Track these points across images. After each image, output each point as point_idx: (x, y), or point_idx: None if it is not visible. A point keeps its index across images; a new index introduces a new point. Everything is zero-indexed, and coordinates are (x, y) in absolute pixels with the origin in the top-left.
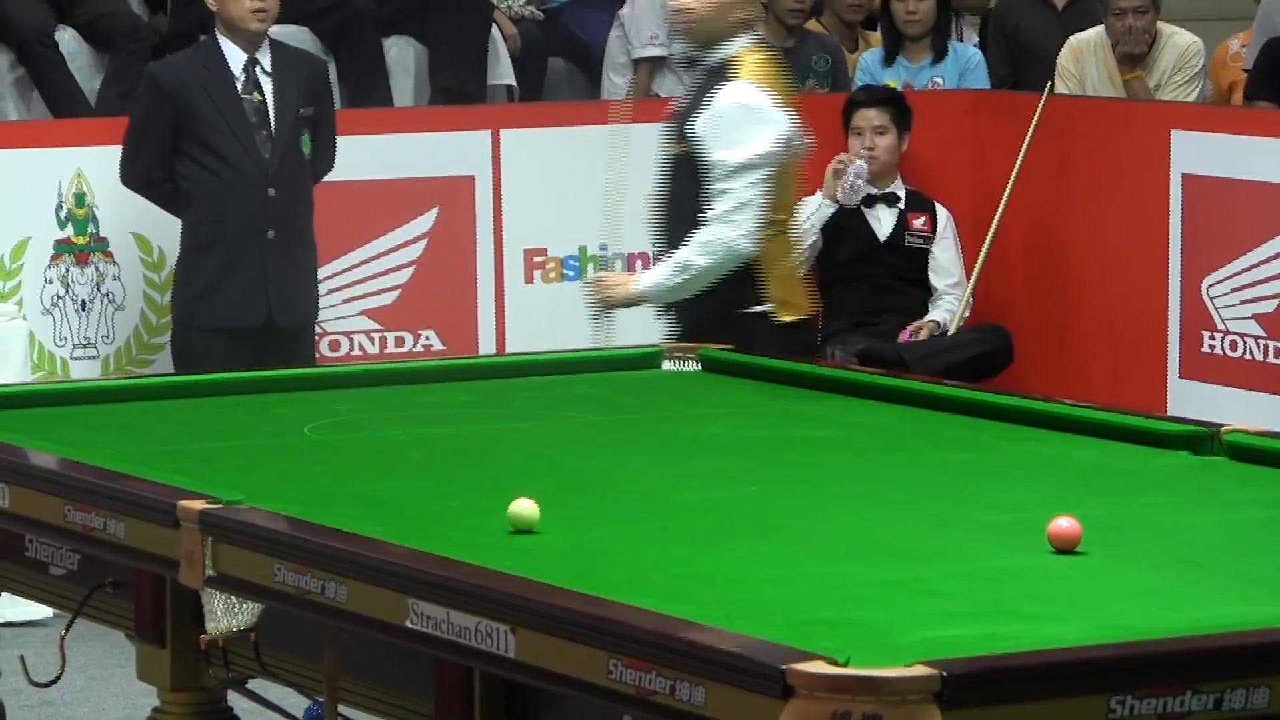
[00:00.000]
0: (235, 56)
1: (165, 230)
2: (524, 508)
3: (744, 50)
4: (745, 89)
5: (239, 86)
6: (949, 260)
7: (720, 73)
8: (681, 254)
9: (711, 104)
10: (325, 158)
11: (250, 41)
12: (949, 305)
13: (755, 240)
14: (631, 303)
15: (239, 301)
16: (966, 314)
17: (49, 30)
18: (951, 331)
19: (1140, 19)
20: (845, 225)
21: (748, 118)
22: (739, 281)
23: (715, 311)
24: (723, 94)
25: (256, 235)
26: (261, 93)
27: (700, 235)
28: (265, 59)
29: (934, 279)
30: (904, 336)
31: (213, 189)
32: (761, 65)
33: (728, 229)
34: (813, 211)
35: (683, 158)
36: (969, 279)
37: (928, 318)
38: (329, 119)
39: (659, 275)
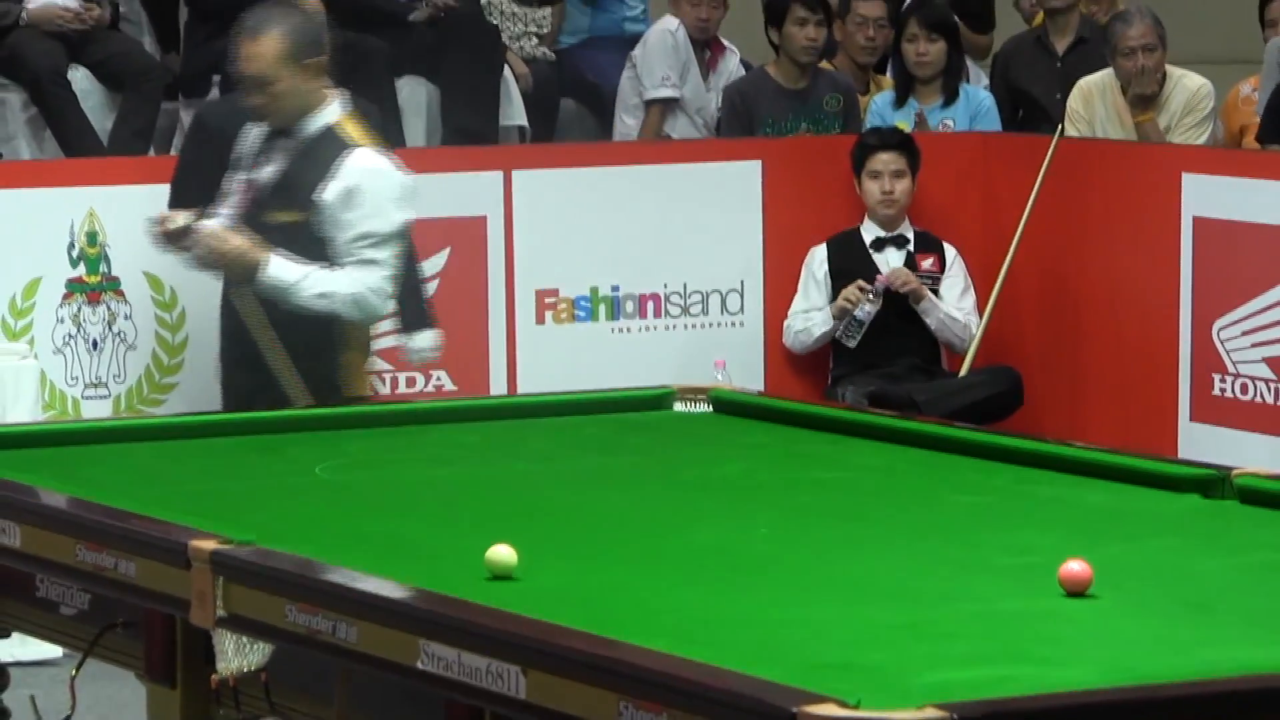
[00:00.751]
0: None
1: (177, 270)
2: (500, 554)
3: (344, 116)
4: (374, 156)
5: None
6: (958, 298)
7: (330, 141)
8: (335, 282)
9: (342, 172)
10: None
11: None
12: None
13: (386, 309)
14: (237, 264)
15: None
16: (978, 347)
17: (62, 69)
18: (964, 371)
19: (1149, 57)
20: (855, 269)
21: (387, 186)
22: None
23: (309, 350)
24: (353, 161)
25: None
26: None
27: (359, 283)
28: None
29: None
30: (880, 280)
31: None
32: (364, 129)
33: (375, 297)
34: (816, 320)
35: (300, 226)
36: (980, 320)
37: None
38: None
39: (296, 275)
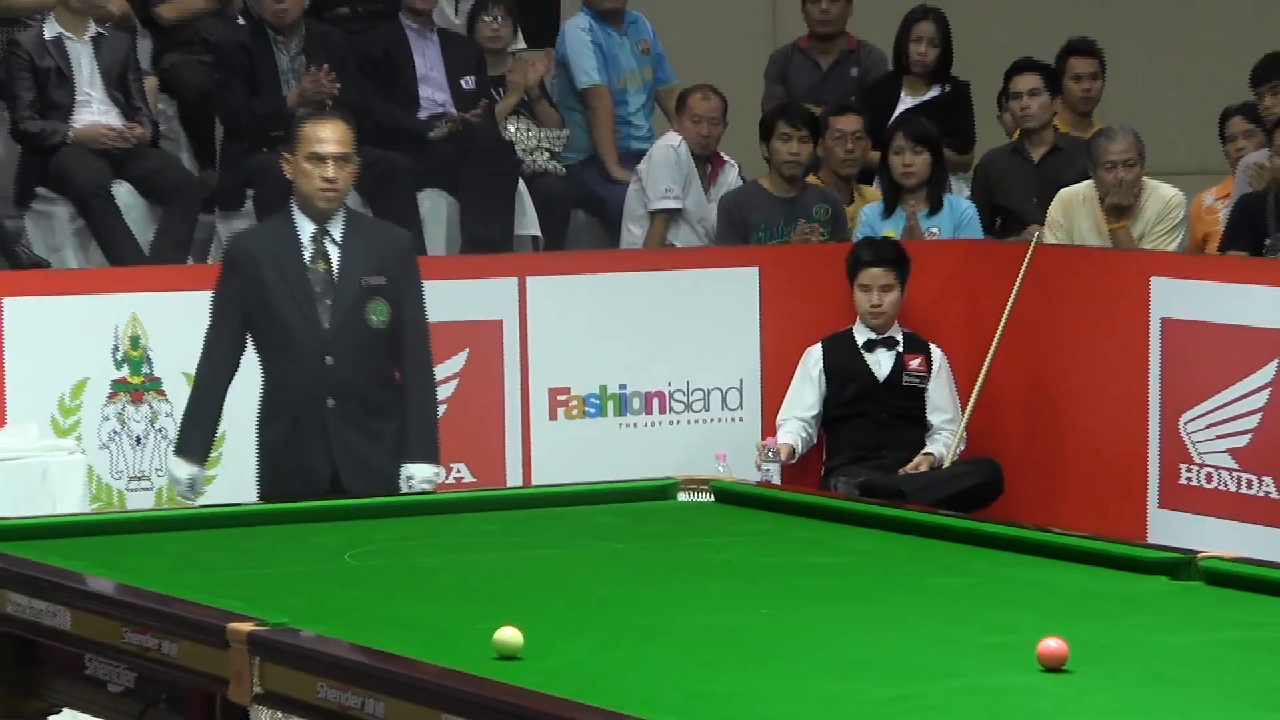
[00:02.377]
0: (305, 227)
1: None
2: (506, 636)
3: None
4: None
5: (306, 256)
6: (944, 398)
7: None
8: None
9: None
10: (416, 328)
11: (320, 213)
12: (945, 440)
13: None
14: None
15: (303, 468)
16: (961, 448)
17: (106, 184)
18: (947, 464)
19: (1129, 171)
20: (848, 368)
21: None
22: None
23: None
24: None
25: (316, 404)
26: (328, 262)
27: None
28: (336, 229)
29: (930, 416)
30: (768, 443)
31: (274, 357)
32: None
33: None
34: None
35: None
36: (963, 415)
37: (924, 451)
38: (412, 289)
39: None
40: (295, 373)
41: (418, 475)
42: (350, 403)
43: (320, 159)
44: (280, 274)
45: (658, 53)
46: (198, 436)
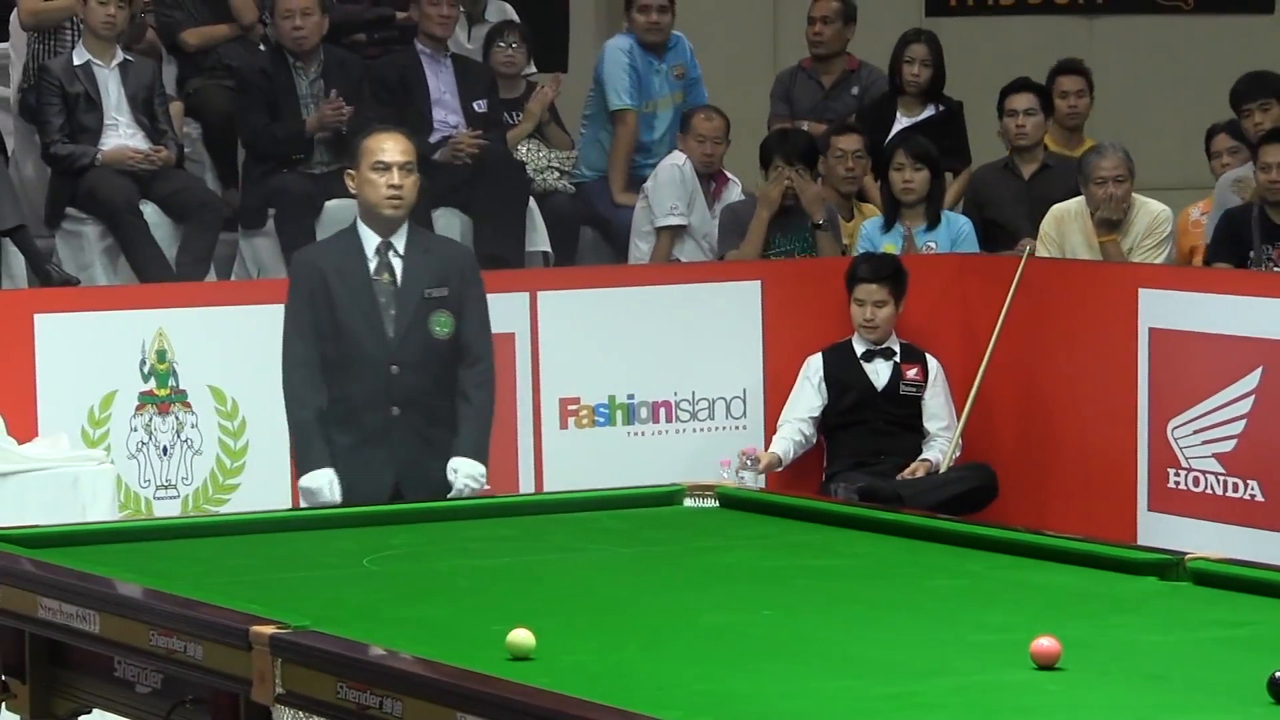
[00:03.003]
0: (370, 240)
1: (238, 382)
2: (519, 637)
3: None
4: None
5: (371, 268)
6: (939, 406)
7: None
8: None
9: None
10: (478, 339)
11: (385, 226)
12: (941, 446)
13: None
14: None
15: (365, 477)
16: (956, 454)
17: (135, 202)
18: (943, 470)
19: (1119, 187)
20: (846, 378)
21: None
22: None
23: None
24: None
25: (380, 413)
26: (392, 274)
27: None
28: (400, 242)
29: (927, 424)
30: (748, 452)
31: (341, 368)
32: None
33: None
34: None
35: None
36: (959, 422)
37: (921, 457)
38: (474, 300)
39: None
40: (361, 382)
41: (463, 469)
42: (414, 412)
43: (385, 167)
44: (346, 285)
45: (694, 75)
46: (317, 447)
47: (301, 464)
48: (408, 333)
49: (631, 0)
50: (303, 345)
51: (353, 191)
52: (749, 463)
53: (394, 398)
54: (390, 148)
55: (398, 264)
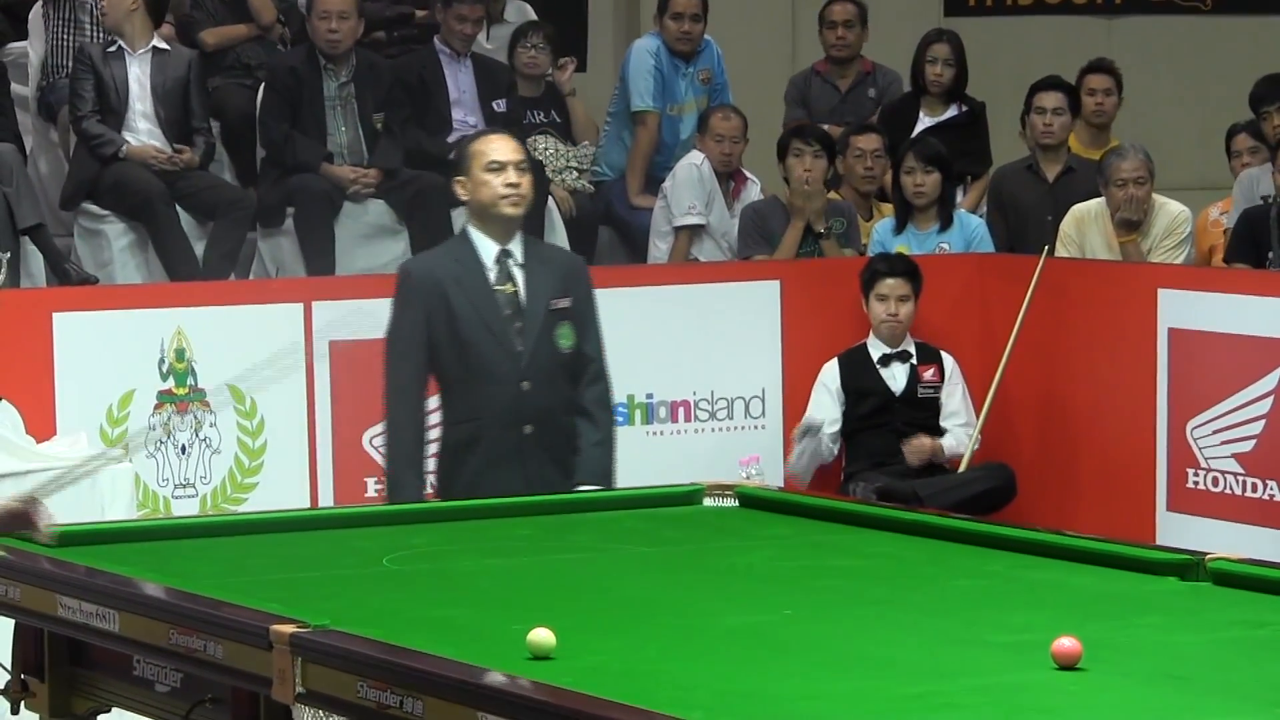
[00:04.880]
0: (487, 248)
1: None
2: (540, 636)
3: None
4: None
5: (491, 278)
6: (957, 403)
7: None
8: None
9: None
10: (599, 353)
11: (504, 231)
12: (958, 436)
13: None
14: None
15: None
16: (975, 447)
17: (167, 192)
18: (963, 468)
19: (1140, 188)
20: (865, 384)
21: None
22: None
23: None
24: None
25: (513, 432)
26: (514, 284)
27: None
28: (518, 250)
29: (944, 421)
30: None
31: (468, 386)
32: None
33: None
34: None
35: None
36: (977, 420)
37: (936, 439)
38: (593, 311)
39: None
40: (491, 400)
41: None
42: (545, 429)
43: (500, 166)
44: (467, 298)
45: (720, 81)
46: (415, 484)
47: (393, 497)
48: (536, 347)
49: (665, 6)
50: (406, 368)
51: (464, 198)
52: (747, 476)
53: (526, 416)
54: (501, 147)
55: (519, 274)
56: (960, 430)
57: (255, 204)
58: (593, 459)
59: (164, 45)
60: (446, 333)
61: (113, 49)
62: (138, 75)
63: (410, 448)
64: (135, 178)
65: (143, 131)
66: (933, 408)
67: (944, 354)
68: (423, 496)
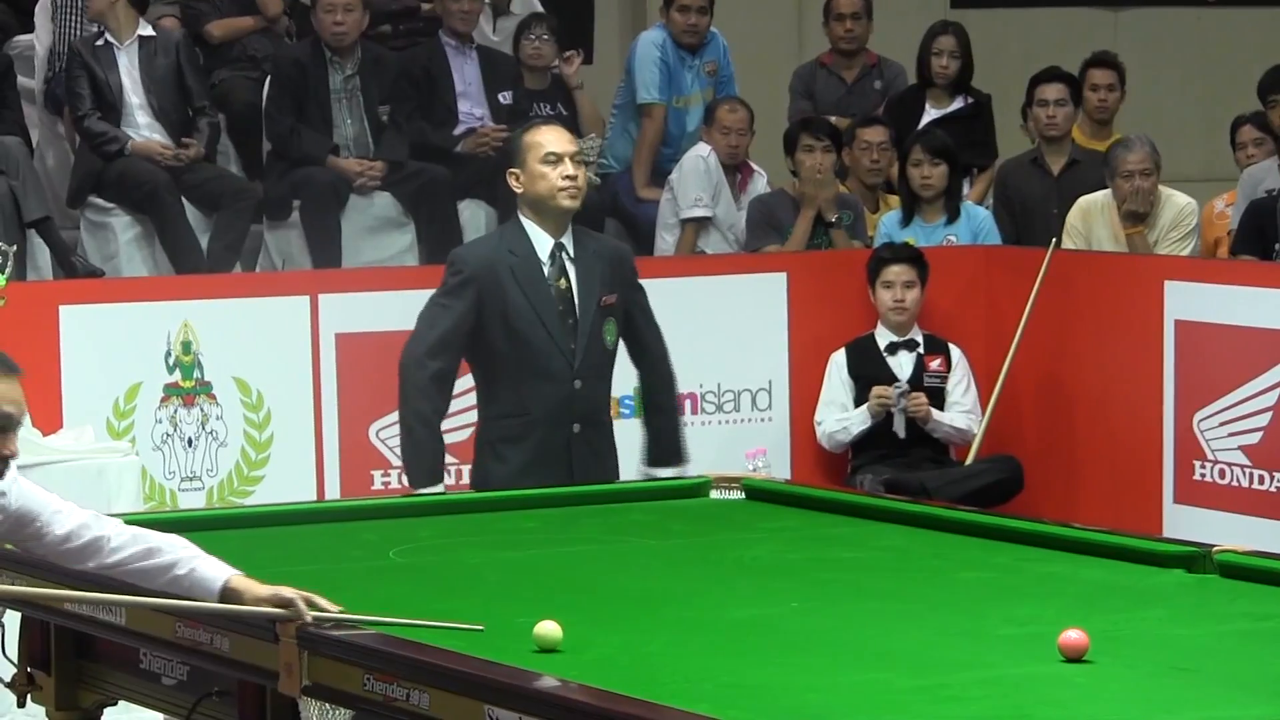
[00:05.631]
0: (542, 241)
1: (262, 374)
2: (546, 629)
3: None
4: None
5: (546, 272)
6: (963, 393)
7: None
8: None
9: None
10: (658, 337)
11: (558, 223)
12: (966, 420)
13: None
14: None
15: None
16: (985, 424)
17: (171, 185)
18: (970, 460)
19: (1146, 180)
20: (870, 373)
21: None
22: None
23: None
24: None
25: (562, 429)
26: (568, 279)
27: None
28: (569, 243)
29: (949, 409)
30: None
31: (519, 381)
32: None
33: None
34: (854, 420)
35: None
36: (984, 413)
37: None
38: (643, 298)
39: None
40: (543, 397)
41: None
42: (592, 428)
43: (557, 158)
44: (522, 290)
45: (726, 73)
46: (429, 458)
47: (414, 476)
48: (589, 344)
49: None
50: (435, 343)
51: (518, 190)
52: (753, 470)
53: (577, 414)
54: (556, 138)
55: (572, 269)
56: (966, 416)
57: (259, 195)
58: (670, 441)
59: (150, 32)
60: (499, 326)
61: (100, 43)
62: (127, 68)
63: (435, 442)
64: (140, 170)
65: (143, 126)
66: (938, 397)
67: (951, 345)
68: (442, 468)
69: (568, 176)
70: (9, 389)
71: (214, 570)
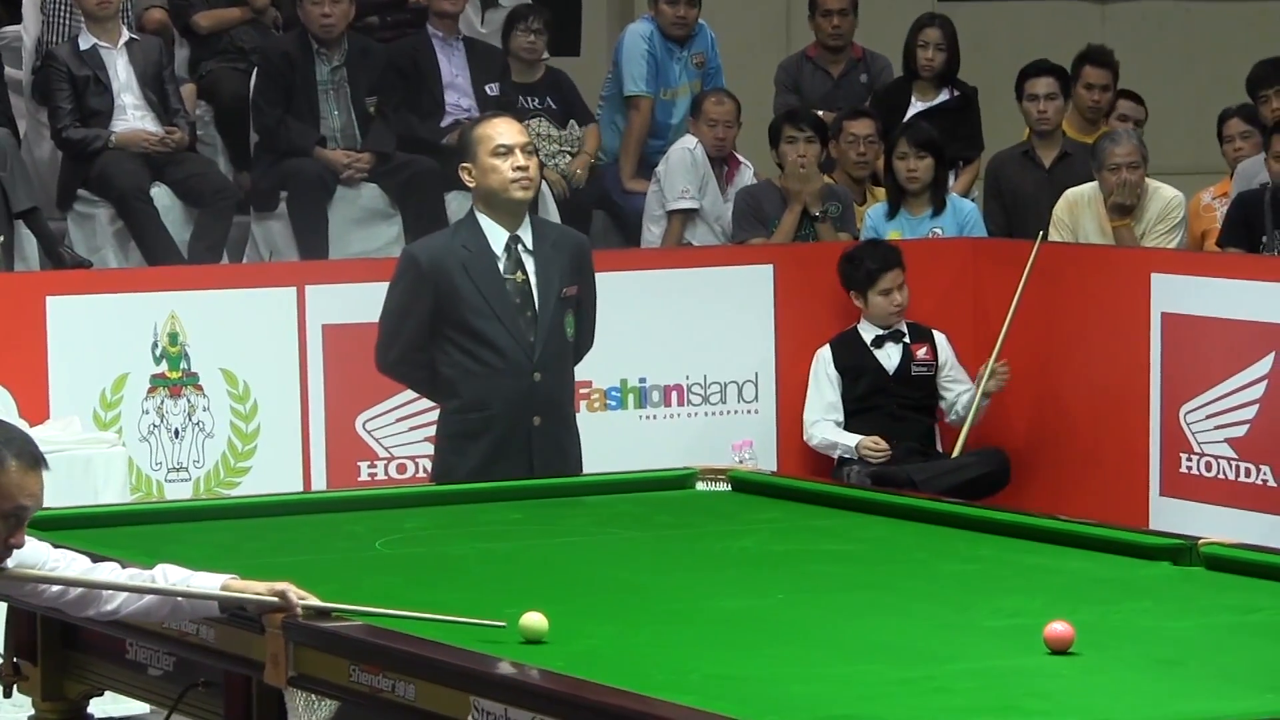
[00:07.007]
0: (496, 235)
1: (250, 365)
2: (532, 621)
3: None
4: None
5: (501, 266)
6: (956, 372)
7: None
8: None
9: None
10: (587, 337)
11: (513, 216)
12: (965, 402)
13: None
14: None
15: None
16: (972, 418)
17: (145, 187)
18: (957, 452)
19: (1133, 173)
20: (858, 364)
21: None
22: None
23: None
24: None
25: (523, 423)
26: (525, 272)
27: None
28: (527, 236)
29: (946, 393)
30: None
31: (477, 375)
32: None
33: None
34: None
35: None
36: (972, 385)
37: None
38: (591, 296)
39: None
40: (503, 391)
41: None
42: (553, 420)
43: (508, 150)
44: (476, 286)
45: (714, 65)
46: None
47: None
48: (549, 337)
49: None
50: (405, 347)
51: (470, 185)
52: (739, 461)
53: (536, 407)
54: (506, 131)
55: (529, 261)
56: (966, 395)
57: (240, 193)
58: None
59: (135, 36)
60: (456, 322)
61: (87, 47)
62: (125, 63)
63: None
64: (117, 171)
65: (134, 119)
66: (927, 386)
67: (935, 333)
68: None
69: (519, 168)
70: (30, 481)
71: (209, 580)
